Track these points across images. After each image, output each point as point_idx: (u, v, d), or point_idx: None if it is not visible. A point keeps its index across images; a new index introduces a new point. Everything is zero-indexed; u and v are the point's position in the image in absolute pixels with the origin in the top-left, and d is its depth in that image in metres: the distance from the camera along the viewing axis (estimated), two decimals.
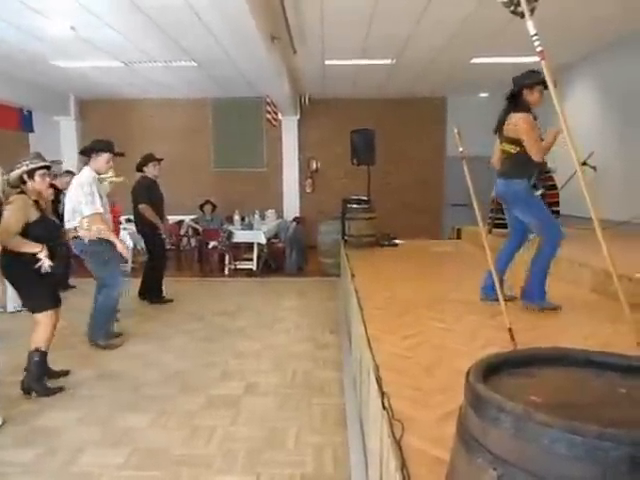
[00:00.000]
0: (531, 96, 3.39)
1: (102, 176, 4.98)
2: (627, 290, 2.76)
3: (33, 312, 3.51)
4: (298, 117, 10.91)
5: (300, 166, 11.11)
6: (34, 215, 3.41)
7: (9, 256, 3.34)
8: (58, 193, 6.44)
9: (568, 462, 0.78)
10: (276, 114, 10.08)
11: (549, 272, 3.53)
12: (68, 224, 4.28)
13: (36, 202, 3.47)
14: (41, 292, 3.48)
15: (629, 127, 7.00)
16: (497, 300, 3.07)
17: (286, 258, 8.41)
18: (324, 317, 5.52)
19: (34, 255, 3.32)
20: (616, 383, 1.02)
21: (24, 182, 3.46)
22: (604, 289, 3.88)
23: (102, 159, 4.42)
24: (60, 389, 3.53)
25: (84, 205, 4.20)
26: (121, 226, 7.77)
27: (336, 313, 5.67)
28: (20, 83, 8.77)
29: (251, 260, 8.11)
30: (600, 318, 3.34)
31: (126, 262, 4.73)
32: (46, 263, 3.34)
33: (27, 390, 3.45)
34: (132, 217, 7.98)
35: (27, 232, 3.35)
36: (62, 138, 10.74)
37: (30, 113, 9.57)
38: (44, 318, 3.49)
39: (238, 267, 8.21)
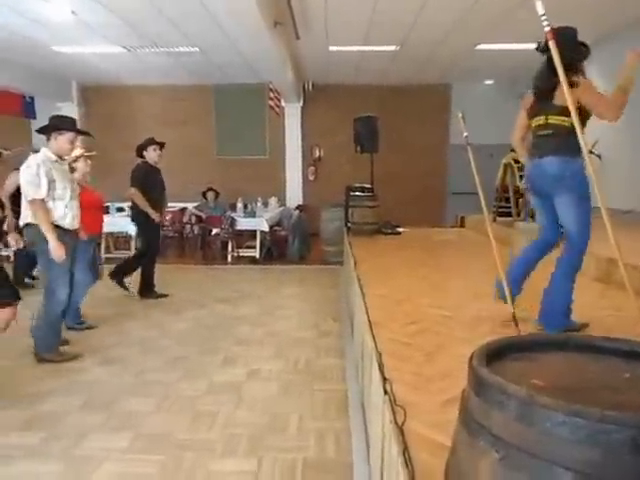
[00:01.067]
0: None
1: (75, 154, 4.45)
2: (632, 279, 2.75)
3: None
4: (301, 104, 10.85)
5: (303, 153, 11.07)
6: None
7: None
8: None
9: (570, 445, 0.78)
10: (279, 101, 10.03)
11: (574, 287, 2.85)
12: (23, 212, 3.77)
13: None
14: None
15: (635, 115, 6.93)
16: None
17: (289, 246, 8.42)
18: (326, 304, 5.53)
19: None
20: (619, 368, 1.02)
21: None
22: (607, 277, 3.88)
23: (64, 138, 3.75)
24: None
25: (26, 189, 3.63)
26: (109, 215, 7.68)
27: (338, 301, 5.68)
28: (22, 69, 8.73)
29: (254, 248, 8.12)
30: (603, 306, 3.34)
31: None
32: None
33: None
34: (123, 205, 7.96)
35: None
36: None
37: (32, 99, 9.53)
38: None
39: (241, 255, 8.22)
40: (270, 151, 11.06)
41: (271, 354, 4.01)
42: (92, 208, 4.50)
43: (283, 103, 10.43)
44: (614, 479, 0.76)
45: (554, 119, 2.73)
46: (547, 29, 1.87)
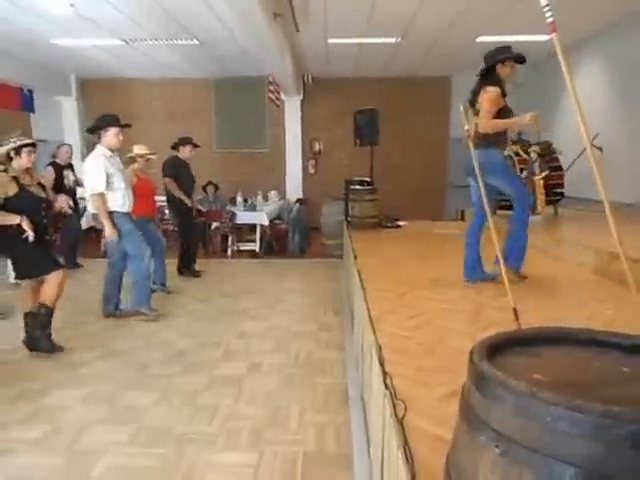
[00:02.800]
0: (503, 70, 3.55)
1: (136, 152, 5.38)
2: (633, 272, 2.74)
3: (39, 275, 3.74)
4: (301, 97, 10.80)
5: (303, 147, 11.03)
6: (12, 189, 3.62)
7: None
8: (61, 168, 6.59)
9: (571, 440, 0.78)
10: (279, 94, 9.97)
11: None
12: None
13: (15, 178, 3.66)
14: (41, 256, 3.72)
15: (635, 108, 6.90)
16: (482, 280, 3.68)
17: (289, 239, 8.41)
18: (327, 298, 5.53)
19: (19, 226, 3.54)
20: (620, 362, 1.02)
21: (10, 159, 3.65)
22: (607, 271, 3.87)
23: (110, 134, 4.42)
24: (60, 348, 3.81)
25: (86, 183, 4.43)
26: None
27: (339, 294, 5.69)
28: (20, 62, 8.68)
29: (254, 241, 8.11)
30: (603, 299, 3.34)
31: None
32: (30, 234, 3.56)
33: (31, 345, 3.74)
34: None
35: (6, 206, 3.58)
36: (64, 118, 10.67)
37: (31, 93, 9.48)
38: (53, 277, 3.71)
39: (241, 248, 8.22)
40: (270, 145, 11.03)
41: (272, 348, 4.01)
42: (148, 195, 5.39)
43: (283, 96, 10.38)
44: (615, 474, 0.76)
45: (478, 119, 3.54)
46: (550, 20, 1.86)
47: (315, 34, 7.51)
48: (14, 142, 3.65)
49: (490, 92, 3.46)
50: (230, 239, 8.17)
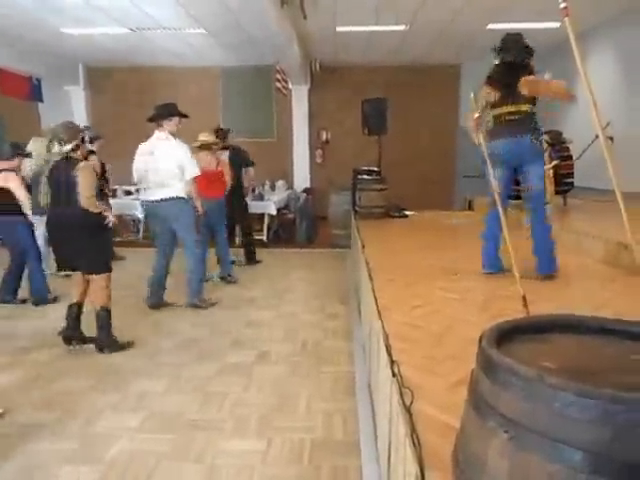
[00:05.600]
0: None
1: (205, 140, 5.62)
2: None
3: (99, 273, 3.69)
4: (309, 86, 10.74)
5: (310, 136, 10.99)
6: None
7: (92, 218, 3.58)
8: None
9: (580, 425, 0.79)
10: (286, 82, 9.92)
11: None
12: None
13: None
14: (108, 254, 3.87)
15: None
16: (501, 271, 3.59)
17: (296, 229, 8.42)
18: (334, 288, 5.55)
19: (101, 214, 3.67)
20: (629, 350, 1.02)
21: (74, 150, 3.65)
22: (617, 261, 3.85)
23: (173, 123, 4.55)
24: (131, 343, 3.82)
25: (188, 167, 4.52)
26: (117, 198, 7.93)
27: (346, 284, 5.70)
28: (28, 51, 8.70)
29: (261, 231, 8.13)
30: (613, 289, 3.32)
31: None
32: (111, 217, 3.75)
33: (100, 348, 3.71)
34: (130, 188, 8.34)
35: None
36: (73, 108, 10.70)
37: (39, 82, 9.51)
38: (107, 279, 3.73)
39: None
40: (277, 134, 11.00)
41: (280, 336, 4.04)
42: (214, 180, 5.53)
43: (290, 85, 10.33)
44: (624, 459, 0.76)
45: (521, 106, 3.52)
46: (563, 5, 1.83)
47: (323, 22, 7.45)
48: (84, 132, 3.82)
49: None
50: (237, 229, 8.18)
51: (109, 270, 3.73)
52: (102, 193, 3.99)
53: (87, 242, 3.60)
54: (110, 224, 3.77)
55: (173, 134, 4.56)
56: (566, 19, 1.87)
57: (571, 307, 2.99)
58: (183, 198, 4.52)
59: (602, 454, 0.77)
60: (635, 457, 0.76)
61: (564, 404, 0.79)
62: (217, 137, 6.08)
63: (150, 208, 4.70)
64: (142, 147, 4.62)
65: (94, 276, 3.67)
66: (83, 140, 3.73)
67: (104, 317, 3.69)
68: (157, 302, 4.75)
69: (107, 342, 3.70)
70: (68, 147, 3.54)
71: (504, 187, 3.67)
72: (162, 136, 4.52)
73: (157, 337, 4.02)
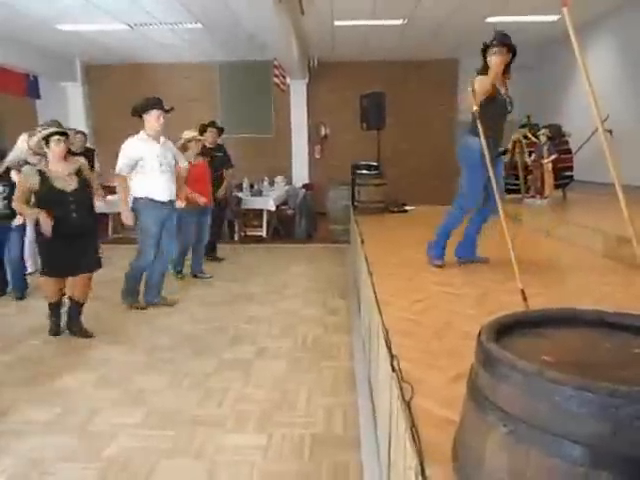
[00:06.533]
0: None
1: (186, 136, 5.33)
2: None
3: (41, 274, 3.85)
4: (307, 81, 10.69)
5: (309, 131, 10.95)
6: (36, 184, 3.58)
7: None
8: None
9: (579, 419, 0.78)
10: (284, 78, 9.88)
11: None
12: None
13: (39, 171, 3.60)
14: (62, 257, 3.71)
15: None
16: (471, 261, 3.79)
17: (295, 225, 8.41)
18: (333, 283, 5.55)
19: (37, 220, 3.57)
20: (629, 343, 1.02)
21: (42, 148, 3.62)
22: (616, 254, 3.85)
23: (151, 117, 4.32)
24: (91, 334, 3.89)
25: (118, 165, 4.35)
26: (114, 195, 7.84)
27: (345, 279, 5.70)
28: (25, 47, 8.65)
29: (260, 227, 8.12)
30: (613, 282, 3.32)
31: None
32: (45, 229, 3.53)
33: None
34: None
35: (36, 200, 3.61)
36: (70, 104, 10.65)
37: (36, 78, 9.47)
38: (45, 281, 3.84)
39: (248, 234, 8.23)
40: (276, 129, 10.96)
41: (279, 332, 4.04)
42: (203, 180, 5.46)
43: (288, 80, 10.29)
44: (623, 453, 0.76)
45: None
46: None
47: (321, 17, 7.42)
48: (39, 132, 3.57)
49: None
50: (237, 224, 8.18)
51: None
52: (86, 187, 3.84)
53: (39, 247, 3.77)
54: (43, 230, 3.54)
55: (154, 129, 4.35)
56: (564, 9, 1.85)
57: (571, 301, 2.99)
58: (137, 198, 4.36)
59: (601, 448, 0.77)
60: (634, 451, 0.75)
61: (563, 398, 0.79)
62: (200, 134, 5.88)
63: None
64: None
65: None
66: (46, 139, 3.58)
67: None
68: (150, 301, 4.68)
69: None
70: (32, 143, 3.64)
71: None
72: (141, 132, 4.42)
73: (155, 333, 4.01)
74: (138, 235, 4.51)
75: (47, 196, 3.57)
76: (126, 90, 10.52)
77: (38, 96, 9.60)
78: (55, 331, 3.88)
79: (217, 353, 3.60)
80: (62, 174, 3.66)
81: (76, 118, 10.40)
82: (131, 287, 4.61)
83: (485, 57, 3.38)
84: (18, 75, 9.00)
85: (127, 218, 4.37)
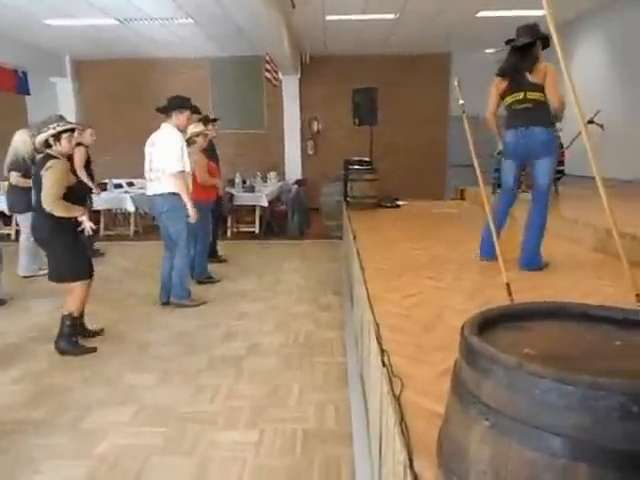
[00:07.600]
0: (538, 50, 3.35)
1: (193, 130, 5.22)
2: (630, 249, 2.75)
3: (71, 281, 3.52)
4: (299, 76, 10.67)
5: (301, 127, 10.94)
6: (72, 179, 3.46)
7: (55, 223, 3.33)
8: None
9: (559, 411, 0.79)
10: (276, 73, 9.84)
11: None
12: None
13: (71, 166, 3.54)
14: (81, 261, 3.54)
15: (635, 85, 6.82)
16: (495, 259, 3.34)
17: (288, 221, 8.39)
18: (326, 279, 5.55)
19: (76, 219, 3.41)
20: (611, 335, 1.02)
21: (49, 146, 3.42)
22: (605, 248, 3.87)
23: (183, 116, 4.42)
24: (94, 349, 3.59)
25: (170, 162, 4.25)
26: (107, 191, 7.83)
27: (338, 274, 5.70)
28: (13, 43, 8.57)
29: (253, 223, 8.10)
30: (601, 276, 3.35)
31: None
32: (87, 225, 3.43)
33: (62, 352, 3.52)
34: (121, 181, 8.27)
35: (66, 197, 3.34)
36: (60, 100, 10.57)
37: (25, 75, 9.37)
38: (81, 286, 3.54)
39: (240, 230, 8.21)
40: (268, 125, 10.93)
41: (271, 328, 4.04)
42: (216, 175, 5.52)
43: (280, 76, 10.25)
44: (603, 445, 0.77)
45: (532, 94, 3.33)
46: None
47: (312, 11, 7.39)
48: (53, 128, 3.40)
49: (554, 69, 3.28)
50: (229, 221, 8.16)
51: (84, 278, 3.54)
52: (81, 188, 3.73)
53: (54, 248, 3.43)
54: (87, 231, 3.46)
55: (181, 128, 4.44)
56: (544, 2, 1.86)
57: (559, 295, 3.01)
58: (174, 194, 4.27)
59: (581, 440, 0.77)
60: (614, 442, 0.76)
61: (543, 391, 0.79)
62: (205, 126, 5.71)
63: (148, 203, 4.67)
64: (149, 138, 4.47)
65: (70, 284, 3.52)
66: (58, 136, 3.40)
67: (67, 324, 3.55)
68: (165, 300, 4.60)
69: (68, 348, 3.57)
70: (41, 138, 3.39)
71: (513, 179, 3.66)
72: (166, 128, 4.37)
73: (144, 331, 4.00)
74: (176, 232, 4.41)
75: (77, 192, 3.47)
76: (116, 86, 10.46)
77: (27, 92, 9.51)
78: (87, 349, 3.60)
79: (208, 350, 3.60)
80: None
81: (66, 114, 10.15)
82: (185, 284, 4.59)
83: (543, 47, 3.36)
84: (7, 71, 8.91)
85: (194, 215, 4.33)
